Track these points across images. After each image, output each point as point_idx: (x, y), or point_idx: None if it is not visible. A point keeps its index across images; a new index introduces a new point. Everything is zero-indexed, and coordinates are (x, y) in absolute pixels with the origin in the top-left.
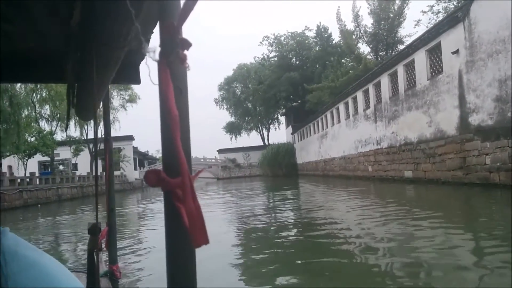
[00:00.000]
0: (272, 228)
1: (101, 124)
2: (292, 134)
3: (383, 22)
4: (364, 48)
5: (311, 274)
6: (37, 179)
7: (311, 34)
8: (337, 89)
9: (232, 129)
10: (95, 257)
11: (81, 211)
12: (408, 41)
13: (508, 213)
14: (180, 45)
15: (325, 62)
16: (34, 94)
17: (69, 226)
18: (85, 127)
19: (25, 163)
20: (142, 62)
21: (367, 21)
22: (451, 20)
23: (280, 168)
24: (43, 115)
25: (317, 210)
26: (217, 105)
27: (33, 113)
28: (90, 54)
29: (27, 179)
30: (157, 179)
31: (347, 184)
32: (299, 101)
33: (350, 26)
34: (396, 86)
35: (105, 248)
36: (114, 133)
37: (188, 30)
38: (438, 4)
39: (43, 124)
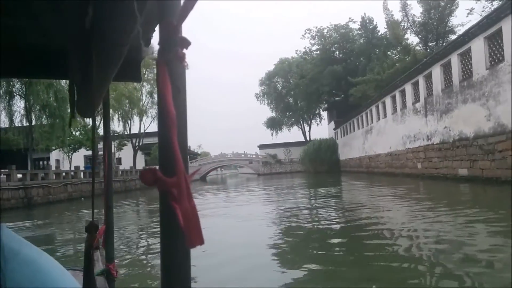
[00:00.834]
0: (316, 228)
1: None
2: (334, 129)
3: (433, 11)
4: (412, 39)
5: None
6: (81, 173)
7: (355, 26)
8: (383, 82)
9: (273, 124)
10: (92, 255)
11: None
12: (460, 30)
13: None
14: (179, 44)
15: (370, 54)
16: None
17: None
18: (128, 122)
19: (70, 157)
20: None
21: (416, 11)
22: None
23: (322, 165)
24: None
25: (364, 209)
26: (258, 100)
27: None
28: (91, 51)
29: (72, 173)
30: (153, 178)
31: (395, 182)
32: (342, 96)
33: (398, 16)
34: (449, 78)
35: (102, 247)
36: (155, 128)
37: (229, 27)
38: None
39: (88, 119)
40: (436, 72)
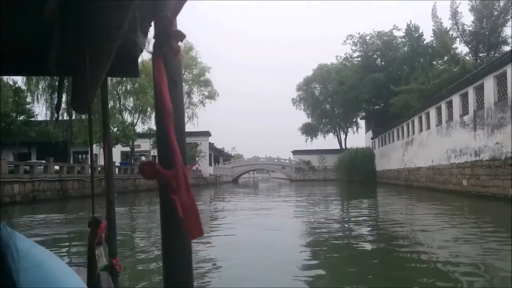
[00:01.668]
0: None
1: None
2: (372, 139)
3: (485, 20)
4: (461, 48)
5: None
6: (116, 169)
7: (399, 33)
8: (427, 92)
9: (308, 130)
10: (95, 251)
11: (145, 203)
12: None
13: None
14: (174, 37)
15: (413, 63)
16: (120, 86)
17: (132, 218)
18: None
19: None
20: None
21: (467, 19)
22: None
23: (357, 174)
24: (126, 107)
25: (402, 228)
26: (294, 105)
27: (118, 105)
28: (82, 46)
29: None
30: (152, 171)
31: (437, 198)
32: (382, 104)
33: (447, 24)
34: (504, 90)
35: (105, 242)
36: (192, 128)
37: (264, 32)
38: None
39: (126, 115)
40: (489, 83)
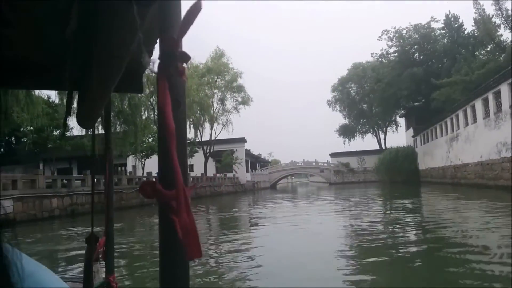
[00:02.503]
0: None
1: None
2: (413, 137)
3: None
4: (506, 35)
5: None
6: (153, 179)
7: (437, 25)
8: (471, 84)
9: (346, 132)
10: (92, 267)
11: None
12: None
13: None
14: (179, 58)
15: (454, 55)
16: (153, 97)
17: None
18: (200, 129)
19: (143, 163)
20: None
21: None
22: None
23: (399, 174)
24: None
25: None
26: (329, 107)
27: (152, 115)
28: (91, 62)
29: (144, 179)
30: (152, 190)
31: (488, 196)
32: (422, 100)
33: (489, 10)
34: None
35: (101, 259)
36: (226, 135)
37: (295, 33)
38: None
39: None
40: None
